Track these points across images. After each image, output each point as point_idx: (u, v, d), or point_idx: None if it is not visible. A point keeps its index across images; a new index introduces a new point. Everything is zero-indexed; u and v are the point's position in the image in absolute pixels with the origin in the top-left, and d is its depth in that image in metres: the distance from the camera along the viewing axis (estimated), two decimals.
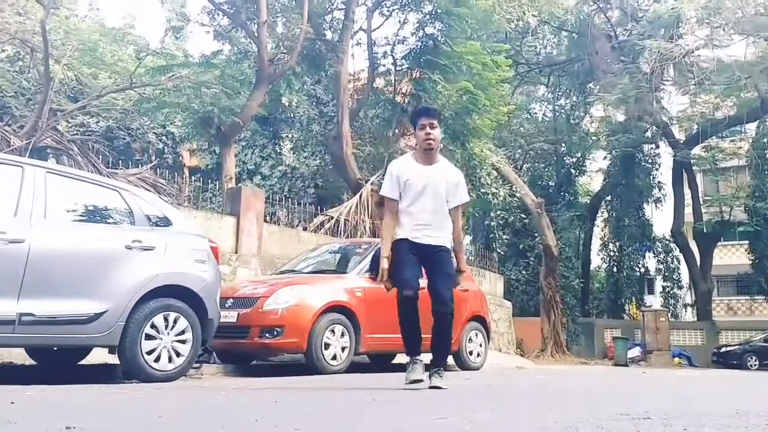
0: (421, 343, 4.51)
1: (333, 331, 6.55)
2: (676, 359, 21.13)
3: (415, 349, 4.47)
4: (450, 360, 8.75)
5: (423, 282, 4.53)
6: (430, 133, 4.43)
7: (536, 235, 21.75)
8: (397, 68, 16.22)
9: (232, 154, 14.19)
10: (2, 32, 13.16)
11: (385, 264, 4.45)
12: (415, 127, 4.60)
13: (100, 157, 11.57)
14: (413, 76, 15.87)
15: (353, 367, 6.80)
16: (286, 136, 20.71)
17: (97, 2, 21.48)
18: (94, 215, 4.98)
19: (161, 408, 3.23)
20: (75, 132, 15.08)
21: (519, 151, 24.80)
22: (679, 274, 27.71)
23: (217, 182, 12.81)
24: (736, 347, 21.59)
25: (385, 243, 4.54)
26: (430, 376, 4.39)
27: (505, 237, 21.97)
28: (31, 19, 13.42)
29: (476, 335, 8.67)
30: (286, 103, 18.43)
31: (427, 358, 4.53)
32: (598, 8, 23.44)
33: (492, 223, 21.14)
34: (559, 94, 27.57)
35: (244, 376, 6.28)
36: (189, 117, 14.96)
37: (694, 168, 24.84)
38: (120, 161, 11.54)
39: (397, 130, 15.59)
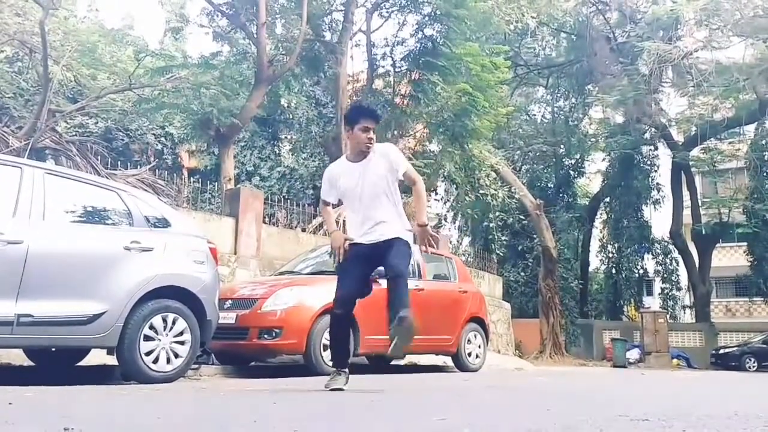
0: (349, 356, 4.61)
1: None
2: (675, 361, 21.14)
3: (342, 361, 4.52)
4: (449, 361, 8.78)
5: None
6: (372, 139, 4.38)
7: (535, 236, 21.77)
8: (396, 70, 16.23)
9: (230, 155, 14.19)
10: (1, 33, 13.15)
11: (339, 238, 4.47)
12: (353, 125, 4.39)
13: (99, 158, 11.56)
14: (412, 78, 15.87)
15: (352, 369, 6.75)
16: (285, 137, 20.73)
17: (96, 3, 21.54)
18: (93, 216, 4.97)
19: (160, 409, 3.23)
20: (74, 133, 15.08)
21: (518, 152, 24.82)
22: (677, 275, 27.74)
23: (216, 183, 12.80)
24: (734, 349, 21.60)
25: (329, 222, 4.70)
26: (389, 326, 4.28)
27: (503, 238, 21.98)
28: (30, 19, 13.41)
29: (475, 336, 8.68)
30: (285, 105, 18.45)
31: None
32: (597, 10, 23.47)
33: (491, 225, 21.14)
34: (558, 95, 27.60)
35: (243, 378, 6.27)
36: (188, 118, 14.96)
37: (692, 170, 24.87)
38: (119, 162, 11.53)
39: (395, 132, 15.58)
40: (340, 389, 4.32)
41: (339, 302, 4.39)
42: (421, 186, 4.54)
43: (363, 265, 4.45)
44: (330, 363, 6.43)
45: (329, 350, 4.66)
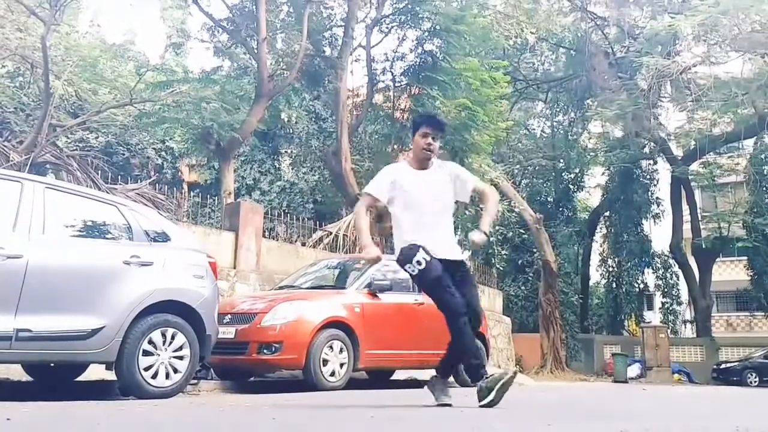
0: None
1: (331, 347, 6.52)
2: (676, 376, 21.05)
3: (449, 374, 4.35)
4: (449, 377, 8.73)
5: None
6: (431, 144, 4.21)
7: (535, 250, 21.75)
8: (396, 84, 16.31)
9: (231, 169, 14.22)
10: (3, 48, 13.22)
11: (375, 252, 4.19)
12: (415, 131, 4.28)
13: (99, 172, 11.59)
14: (412, 93, 15.96)
15: (352, 384, 6.76)
16: (285, 151, 20.78)
17: (98, 18, 21.68)
18: (93, 230, 4.97)
19: (159, 425, 3.21)
20: (74, 147, 15.12)
21: (517, 166, 24.87)
22: (678, 290, 27.70)
23: (216, 197, 12.83)
24: (735, 364, 21.52)
25: (365, 234, 4.28)
26: (433, 387, 4.30)
27: (504, 253, 21.98)
28: (32, 35, 13.49)
29: None
30: (286, 119, 18.52)
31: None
32: (596, 25, 23.61)
33: (491, 239, 21.14)
34: (557, 110, 27.70)
35: (242, 393, 6.24)
36: (188, 132, 15.02)
37: (692, 184, 24.92)
38: (119, 176, 11.57)
39: (396, 146, 15.63)
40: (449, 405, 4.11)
41: (463, 306, 3.99)
42: (493, 193, 4.43)
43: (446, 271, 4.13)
44: (332, 380, 6.43)
45: (458, 358, 4.24)
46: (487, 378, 3.98)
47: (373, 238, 4.34)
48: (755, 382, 20.24)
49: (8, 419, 2.96)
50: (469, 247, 4.59)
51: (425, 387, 4.38)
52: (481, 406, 3.92)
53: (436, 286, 4.03)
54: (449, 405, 4.18)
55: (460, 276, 4.14)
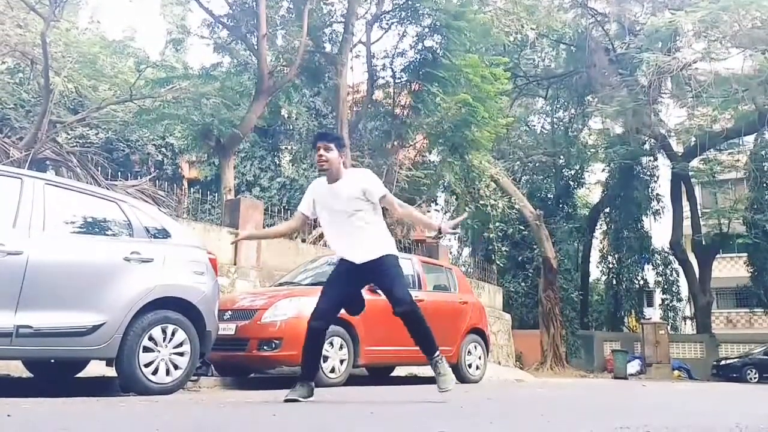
0: (317, 370, 4.69)
1: (331, 343, 6.52)
2: (676, 372, 21.08)
3: (310, 374, 4.47)
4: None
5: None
6: (322, 155, 4.47)
7: (535, 247, 21.75)
8: (396, 81, 16.29)
9: (231, 165, 14.22)
10: (2, 44, 13.20)
11: (241, 234, 5.06)
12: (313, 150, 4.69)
13: (100, 168, 11.58)
14: (412, 89, 15.94)
15: (352, 380, 6.77)
16: (286, 147, 20.77)
17: (98, 15, 21.60)
18: (93, 227, 4.97)
19: (159, 421, 3.22)
20: (74, 144, 15.11)
21: (518, 163, 24.86)
22: (678, 286, 27.72)
23: (216, 194, 12.82)
24: (735, 360, 21.54)
25: (262, 231, 4.82)
26: (434, 369, 4.47)
27: (504, 249, 21.94)
28: (32, 31, 13.46)
29: (475, 348, 8.65)
30: (286, 115, 18.50)
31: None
32: (596, 22, 23.56)
33: (491, 235, 21.12)
34: (558, 106, 27.66)
35: (243, 389, 6.25)
36: (188, 129, 15.00)
37: (692, 180, 24.89)
38: (119, 173, 11.56)
39: (395, 143, 15.62)
40: (296, 400, 4.25)
41: (318, 313, 4.47)
42: (406, 207, 4.76)
43: (350, 282, 4.55)
44: (332, 376, 6.45)
45: (301, 359, 4.57)
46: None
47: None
48: (755, 378, 20.26)
49: (8, 415, 2.97)
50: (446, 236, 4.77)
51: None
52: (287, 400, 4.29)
53: (321, 294, 4.57)
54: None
55: (380, 272, 4.47)
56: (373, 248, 4.46)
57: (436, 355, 4.45)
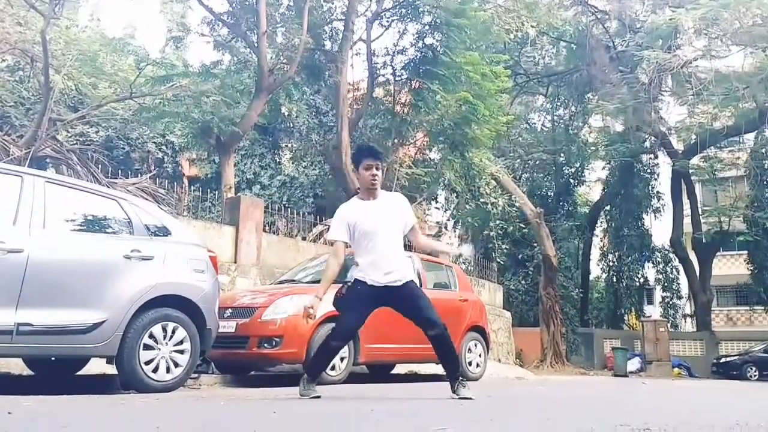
0: (323, 373, 4.84)
1: None
2: (676, 370, 21.08)
3: (317, 376, 4.66)
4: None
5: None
6: (375, 175, 4.54)
7: (535, 245, 21.75)
8: (397, 78, 16.26)
9: (231, 163, 14.21)
10: (2, 42, 13.18)
11: (315, 303, 4.53)
12: (358, 164, 4.65)
13: (100, 166, 11.57)
14: (412, 86, 15.91)
15: (352, 378, 6.77)
16: (286, 145, 20.75)
17: (98, 12, 21.55)
18: (93, 225, 4.97)
19: (159, 419, 3.22)
20: (74, 141, 15.09)
21: (518, 161, 24.84)
22: (678, 284, 27.72)
23: (217, 192, 12.81)
24: (735, 358, 21.55)
25: (322, 283, 4.63)
26: (455, 388, 4.59)
27: (504, 247, 21.95)
28: (32, 29, 13.44)
29: (475, 345, 8.66)
30: (286, 113, 18.48)
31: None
32: (597, 19, 23.53)
33: (491, 233, 21.13)
34: (558, 104, 27.65)
35: (243, 387, 6.25)
36: (189, 126, 14.98)
37: (692, 178, 24.88)
38: (119, 171, 11.54)
39: (396, 140, 15.61)
40: (319, 396, 4.45)
41: (342, 336, 4.58)
42: (425, 238, 5.01)
43: (371, 305, 4.61)
44: (333, 374, 6.45)
45: (314, 361, 4.78)
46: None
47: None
48: (755, 376, 20.28)
49: (9, 413, 2.97)
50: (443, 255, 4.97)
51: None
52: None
53: (343, 307, 4.62)
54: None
55: (407, 296, 4.56)
56: (402, 272, 4.56)
57: (459, 376, 4.62)
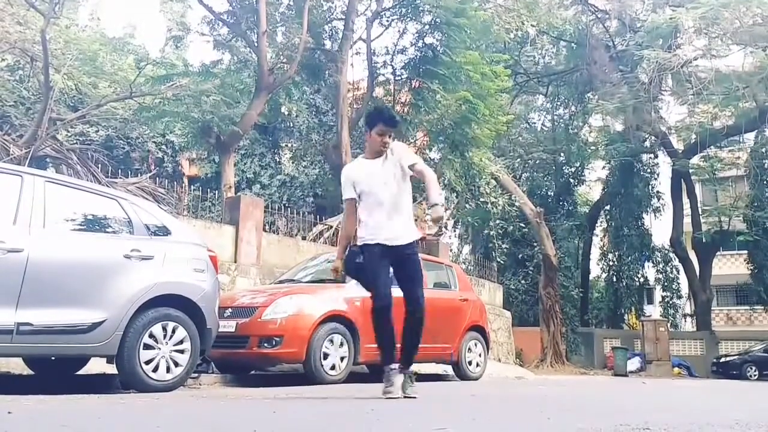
0: (395, 349, 4.55)
1: (332, 340, 6.53)
2: (676, 369, 21.08)
3: (391, 357, 4.49)
4: (449, 370, 8.76)
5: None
6: (387, 143, 4.56)
7: (535, 244, 21.75)
8: (397, 78, 16.27)
9: (231, 163, 14.21)
10: (2, 41, 13.18)
11: (338, 264, 4.65)
12: (372, 127, 4.59)
13: (100, 166, 11.58)
14: (413, 86, 15.92)
15: (352, 377, 6.77)
16: (286, 145, 20.75)
17: (98, 12, 21.55)
18: (93, 224, 4.97)
19: (159, 418, 3.22)
20: (74, 141, 15.10)
21: (518, 160, 24.83)
22: (678, 283, 27.72)
23: (217, 191, 12.81)
24: (735, 357, 21.55)
25: (340, 244, 4.72)
26: (402, 384, 4.45)
27: (504, 246, 21.95)
28: (32, 28, 13.44)
29: (475, 345, 8.66)
30: (286, 113, 18.49)
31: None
32: (597, 19, 23.54)
33: (491, 233, 21.14)
34: (558, 103, 27.65)
35: (243, 386, 6.25)
36: (189, 126, 14.98)
37: (692, 178, 24.89)
38: (119, 170, 11.54)
39: (396, 140, 15.59)
40: (398, 396, 4.32)
41: (381, 295, 4.40)
42: (429, 171, 4.61)
43: (385, 263, 4.53)
44: (333, 373, 6.45)
45: (378, 346, 4.57)
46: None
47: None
48: (755, 375, 20.28)
49: (9, 413, 2.97)
50: (430, 226, 4.79)
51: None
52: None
53: (367, 273, 4.51)
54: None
55: (407, 260, 4.53)
56: (408, 232, 4.54)
57: (410, 368, 4.54)
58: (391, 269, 4.59)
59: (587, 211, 28.68)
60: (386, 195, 4.51)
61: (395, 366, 4.43)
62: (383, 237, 4.48)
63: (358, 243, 4.59)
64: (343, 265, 4.67)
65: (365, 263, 4.51)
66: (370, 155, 4.66)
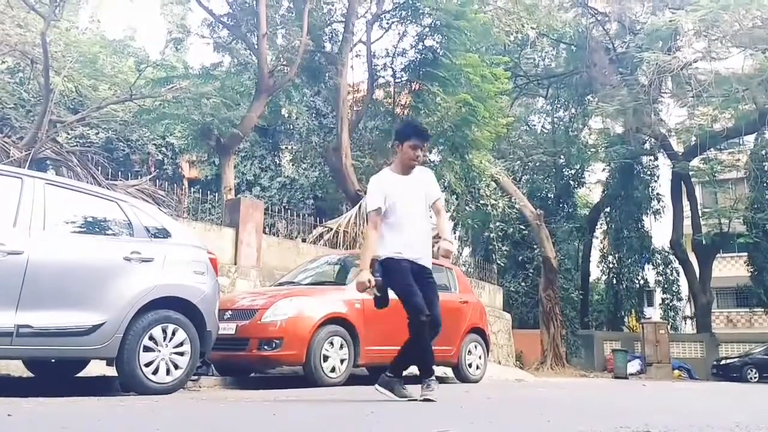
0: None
1: (332, 343, 6.52)
2: (676, 372, 21.07)
3: (432, 369, 4.54)
4: (449, 372, 8.75)
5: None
6: (419, 156, 4.56)
7: (535, 246, 21.75)
8: (397, 80, 16.28)
9: (231, 165, 14.21)
10: (3, 44, 13.19)
11: (366, 276, 4.37)
12: (404, 140, 4.57)
13: (100, 168, 11.57)
14: (413, 88, 15.94)
15: (352, 380, 6.77)
16: (286, 147, 20.77)
17: (98, 14, 21.58)
18: (93, 227, 4.97)
19: (159, 421, 3.22)
20: (74, 143, 15.10)
21: (518, 162, 24.84)
22: (678, 286, 27.70)
23: (217, 193, 12.81)
24: (735, 360, 21.53)
25: (365, 257, 4.49)
26: (422, 388, 4.46)
27: (504, 248, 21.95)
28: (32, 31, 13.45)
29: (475, 347, 8.65)
30: (286, 115, 18.51)
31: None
32: (597, 21, 23.57)
33: (491, 235, 21.14)
34: (558, 106, 27.66)
35: (243, 389, 6.25)
36: (189, 128, 14.99)
37: (692, 180, 24.87)
38: (119, 172, 11.53)
39: (396, 142, 15.60)
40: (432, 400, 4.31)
41: (422, 308, 4.33)
42: (444, 209, 4.79)
43: (413, 274, 4.48)
44: (333, 376, 6.44)
45: (421, 359, 4.57)
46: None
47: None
48: (755, 377, 20.26)
49: (9, 415, 2.97)
50: (438, 256, 4.72)
51: (377, 387, 4.56)
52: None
53: (403, 287, 4.40)
54: (414, 399, 4.44)
55: (427, 285, 4.49)
56: (428, 253, 4.56)
57: (432, 375, 4.52)
58: None
59: (587, 213, 28.68)
60: (417, 213, 4.53)
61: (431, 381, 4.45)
62: (411, 254, 4.46)
63: (383, 255, 4.48)
64: (375, 282, 4.48)
65: (399, 277, 4.42)
66: (400, 170, 4.61)
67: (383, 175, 4.70)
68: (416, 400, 4.37)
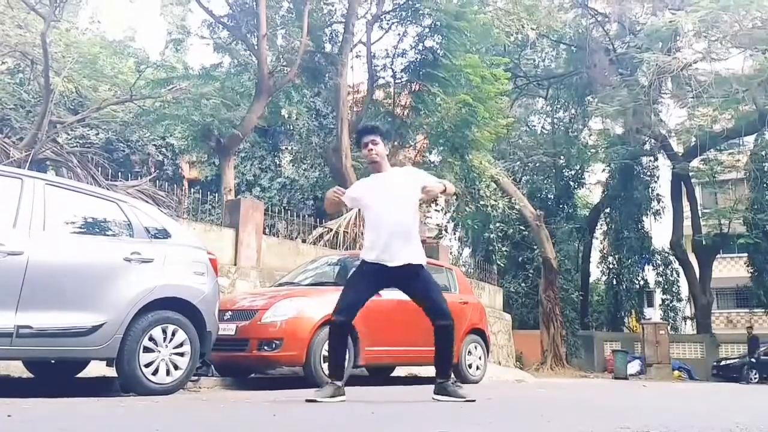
0: (344, 368, 4.57)
1: None
2: (676, 372, 21.06)
3: (338, 372, 4.48)
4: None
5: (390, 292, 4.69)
6: (372, 149, 4.55)
7: (535, 247, 21.74)
8: (397, 81, 16.28)
9: (231, 165, 14.22)
10: (2, 45, 13.19)
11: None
12: (359, 147, 4.75)
13: (100, 169, 11.56)
14: (413, 89, 15.94)
15: (352, 380, 6.76)
16: (286, 148, 20.75)
17: (98, 15, 21.58)
18: (93, 227, 4.97)
19: (159, 421, 3.22)
20: (74, 144, 15.09)
21: (518, 163, 24.85)
22: (678, 286, 27.70)
23: (217, 194, 12.81)
24: (736, 360, 21.51)
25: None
26: (443, 388, 4.49)
27: (504, 249, 21.95)
28: (32, 31, 13.46)
29: (475, 348, 8.64)
30: (286, 116, 18.49)
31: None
32: (596, 22, 23.58)
33: (491, 236, 21.13)
34: (558, 106, 27.65)
35: (243, 389, 6.25)
36: (189, 129, 14.99)
37: (692, 180, 24.88)
38: (119, 173, 11.54)
39: (396, 143, 15.61)
40: (314, 401, 4.22)
41: (343, 311, 4.40)
42: (450, 186, 4.74)
43: (374, 284, 4.54)
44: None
45: (328, 359, 4.65)
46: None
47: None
48: (755, 378, 20.24)
49: (9, 416, 2.97)
50: (423, 198, 4.69)
51: (434, 397, 4.54)
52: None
53: (346, 286, 4.57)
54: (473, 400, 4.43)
55: (419, 280, 4.49)
56: (412, 253, 4.48)
57: (451, 377, 4.54)
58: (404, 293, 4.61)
59: (587, 213, 28.69)
60: (395, 210, 4.45)
61: (337, 382, 4.41)
62: (386, 256, 4.43)
63: (362, 258, 4.58)
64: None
65: (353, 278, 4.59)
66: (372, 170, 4.69)
67: (365, 179, 4.84)
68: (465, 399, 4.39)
